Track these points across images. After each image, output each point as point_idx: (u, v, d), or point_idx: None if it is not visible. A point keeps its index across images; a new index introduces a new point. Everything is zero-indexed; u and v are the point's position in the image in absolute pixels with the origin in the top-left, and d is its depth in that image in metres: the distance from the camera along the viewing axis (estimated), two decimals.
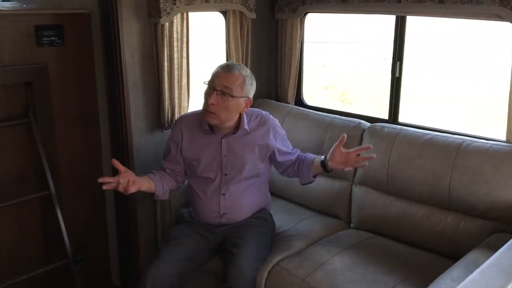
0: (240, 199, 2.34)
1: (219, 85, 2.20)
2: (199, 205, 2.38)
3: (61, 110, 2.57)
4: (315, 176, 2.35)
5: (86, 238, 2.77)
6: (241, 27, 2.87)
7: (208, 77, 2.30)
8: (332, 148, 2.19)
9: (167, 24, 2.51)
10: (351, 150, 2.14)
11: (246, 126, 2.32)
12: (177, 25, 2.55)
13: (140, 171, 2.58)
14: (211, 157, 2.32)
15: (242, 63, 2.92)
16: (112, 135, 2.66)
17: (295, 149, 2.45)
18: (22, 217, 2.56)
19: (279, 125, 2.45)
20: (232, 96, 2.19)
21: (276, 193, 2.80)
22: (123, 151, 2.60)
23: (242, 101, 2.24)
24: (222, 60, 2.93)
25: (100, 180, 2.13)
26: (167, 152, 2.43)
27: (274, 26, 3.09)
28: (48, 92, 2.51)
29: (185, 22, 2.58)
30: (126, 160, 2.59)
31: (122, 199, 2.71)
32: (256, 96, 3.06)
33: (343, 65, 6.31)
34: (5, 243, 2.51)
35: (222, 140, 2.32)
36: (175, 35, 2.55)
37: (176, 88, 2.62)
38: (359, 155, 2.18)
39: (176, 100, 2.64)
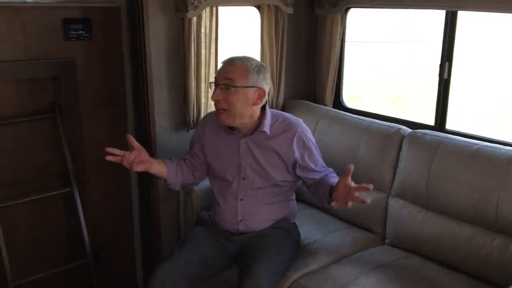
0: (259, 206, 2.18)
1: (221, 79, 2.07)
2: (217, 210, 2.25)
3: (88, 106, 2.52)
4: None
5: (111, 237, 2.72)
6: (277, 23, 2.69)
7: None
8: (340, 178, 1.95)
9: (194, 18, 2.39)
10: (355, 185, 1.87)
11: (265, 129, 2.13)
12: (205, 20, 2.42)
13: None
14: (230, 157, 2.18)
15: (277, 61, 2.75)
16: (136, 133, 2.58)
17: (325, 168, 2.23)
18: (46, 213, 2.53)
19: (310, 136, 2.22)
20: (235, 87, 2.04)
21: (305, 201, 2.61)
22: (147, 149, 2.51)
23: (250, 91, 2.07)
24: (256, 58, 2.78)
25: (107, 149, 2.08)
26: (190, 146, 2.34)
27: (313, 22, 2.89)
28: (75, 88, 2.47)
29: (214, 17, 2.44)
30: None
31: (146, 199, 2.64)
32: (291, 97, 2.92)
33: (396, 65, 5.98)
34: (28, 239, 2.49)
35: (241, 140, 2.17)
36: (203, 30, 2.43)
37: (203, 86, 2.49)
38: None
39: (203, 99, 2.52)
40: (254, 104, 2.09)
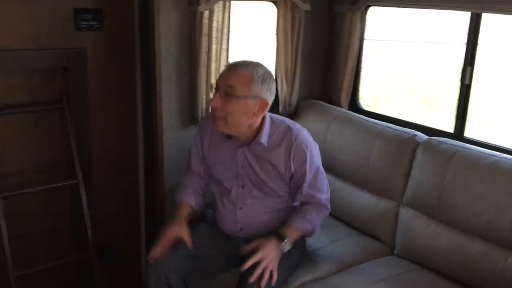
0: (258, 215, 2.09)
1: (222, 85, 1.92)
2: (218, 216, 2.18)
3: (97, 97, 2.49)
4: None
5: (117, 232, 2.69)
6: (293, 19, 2.61)
7: None
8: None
9: (206, 12, 2.32)
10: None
11: (263, 140, 1.98)
12: (217, 14, 2.35)
13: (171, 168, 2.45)
14: (228, 164, 2.07)
15: (292, 58, 2.67)
16: (144, 128, 2.54)
17: (313, 194, 2.03)
18: (52, 205, 2.52)
19: (309, 149, 2.00)
20: (236, 96, 1.88)
21: None
22: (154, 146, 2.47)
23: (251, 102, 1.90)
24: (270, 54, 2.70)
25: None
26: (195, 151, 2.19)
27: (332, 20, 2.78)
28: (84, 79, 2.44)
29: (226, 12, 2.37)
30: (156, 156, 2.46)
31: (153, 197, 2.60)
32: (306, 97, 2.83)
33: (419, 66, 5.78)
34: (33, 229, 2.48)
35: (238, 149, 2.03)
36: (215, 25, 2.36)
37: (213, 82, 2.42)
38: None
39: (212, 96, 2.44)
40: (255, 115, 1.93)
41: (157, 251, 1.96)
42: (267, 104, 1.94)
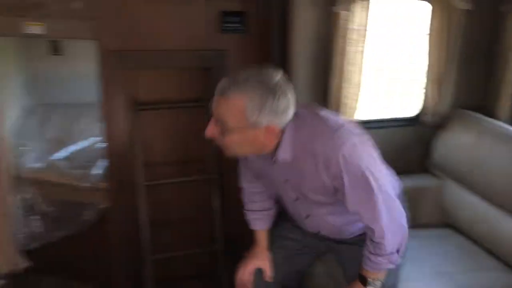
0: (330, 219, 1.81)
1: (215, 112, 1.55)
2: (293, 220, 1.97)
3: None
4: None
5: (245, 229, 2.73)
6: (449, 18, 2.32)
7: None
8: None
9: (344, 13, 2.21)
10: None
11: (280, 158, 1.61)
12: (355, 14, 2.22)
13: None
14: (271, 178, 1.78)
15: (445, 62, 2.39)
16: None
17: (371, 218, 1.60)
18: (189, 196, 2.66)
19: (350, 156, 1.52)
20: (229, 129, 1.51)
21: (456, 226, 2.21)
22: None
23: (250, 133, 1.51)
24: (421, 57, 2.46)
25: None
26: (247, 171, 1.96)
27: (496, 20, 2.41)
28: None
29: (364, 12, 2.22)
30: None
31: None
32: (460, 106, 2.49)
33: None
34: (171, 218, 2.66)
35: (273, 165, 1.66)
36: (351, 26, 2.23)
37: (345, 86, 2.30)
38: None
39: (343, 99, 2.32)
40: (262, 142, 1.56)
41: (242, 275, 1.95)
42: (274, 129, 1.54)
